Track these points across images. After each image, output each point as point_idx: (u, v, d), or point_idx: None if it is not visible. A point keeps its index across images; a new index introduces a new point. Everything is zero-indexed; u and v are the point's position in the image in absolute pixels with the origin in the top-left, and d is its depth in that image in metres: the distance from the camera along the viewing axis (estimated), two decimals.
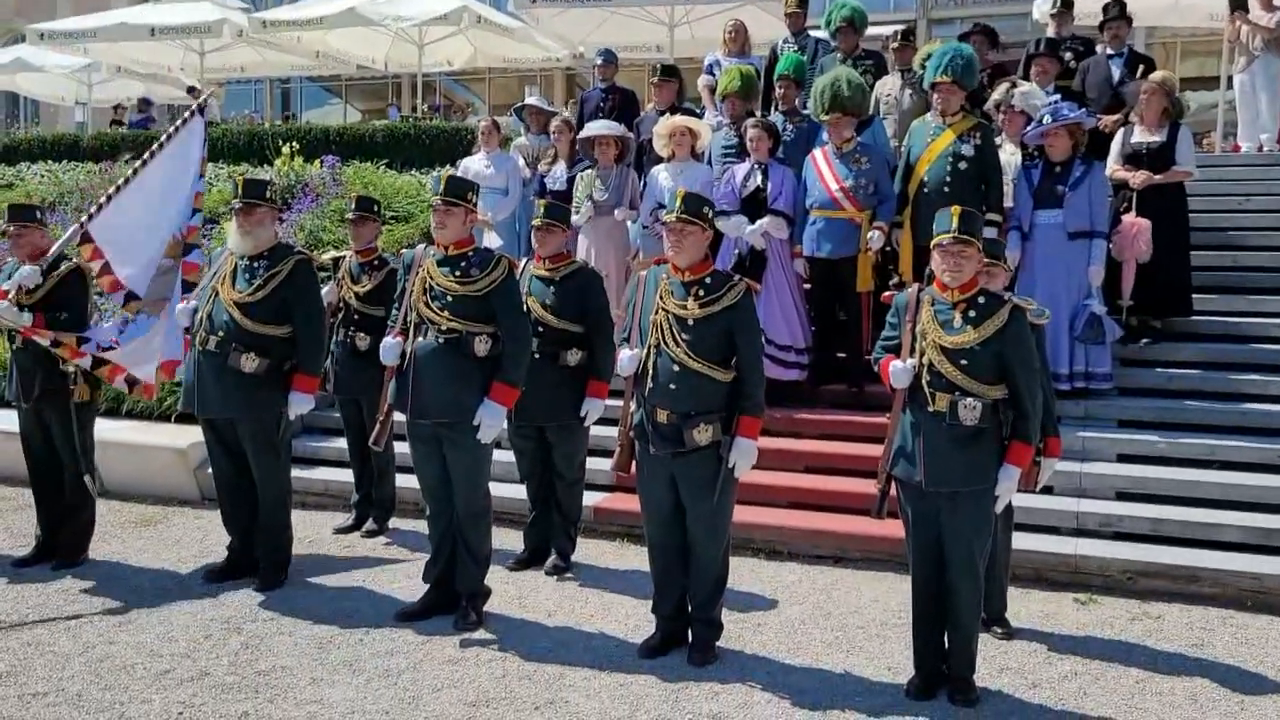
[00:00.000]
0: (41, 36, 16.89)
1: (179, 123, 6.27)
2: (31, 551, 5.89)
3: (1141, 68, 8.19)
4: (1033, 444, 4.27)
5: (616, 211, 7.73)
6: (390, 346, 4.97)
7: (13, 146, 14.26)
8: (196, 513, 6.92)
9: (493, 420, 4.87)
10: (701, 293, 4.47)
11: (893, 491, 4.40)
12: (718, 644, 4.74)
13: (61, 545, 5.85)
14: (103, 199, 5.95)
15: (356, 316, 6.34)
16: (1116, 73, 8.21)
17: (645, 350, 4.55)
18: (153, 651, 4.71)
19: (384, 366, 5.03)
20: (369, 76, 22.35)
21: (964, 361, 4.14)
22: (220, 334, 5.28)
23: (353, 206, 6.49)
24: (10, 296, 5.52)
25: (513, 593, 5.48)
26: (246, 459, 5.48)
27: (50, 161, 13.42)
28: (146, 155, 6.13)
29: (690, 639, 4.74)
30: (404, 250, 5.60)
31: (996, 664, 4.67)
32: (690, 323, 4.44)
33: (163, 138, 6.20)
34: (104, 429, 6.37)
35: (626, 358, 4.60)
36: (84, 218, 5.89)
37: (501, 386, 4.87)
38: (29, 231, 5.72)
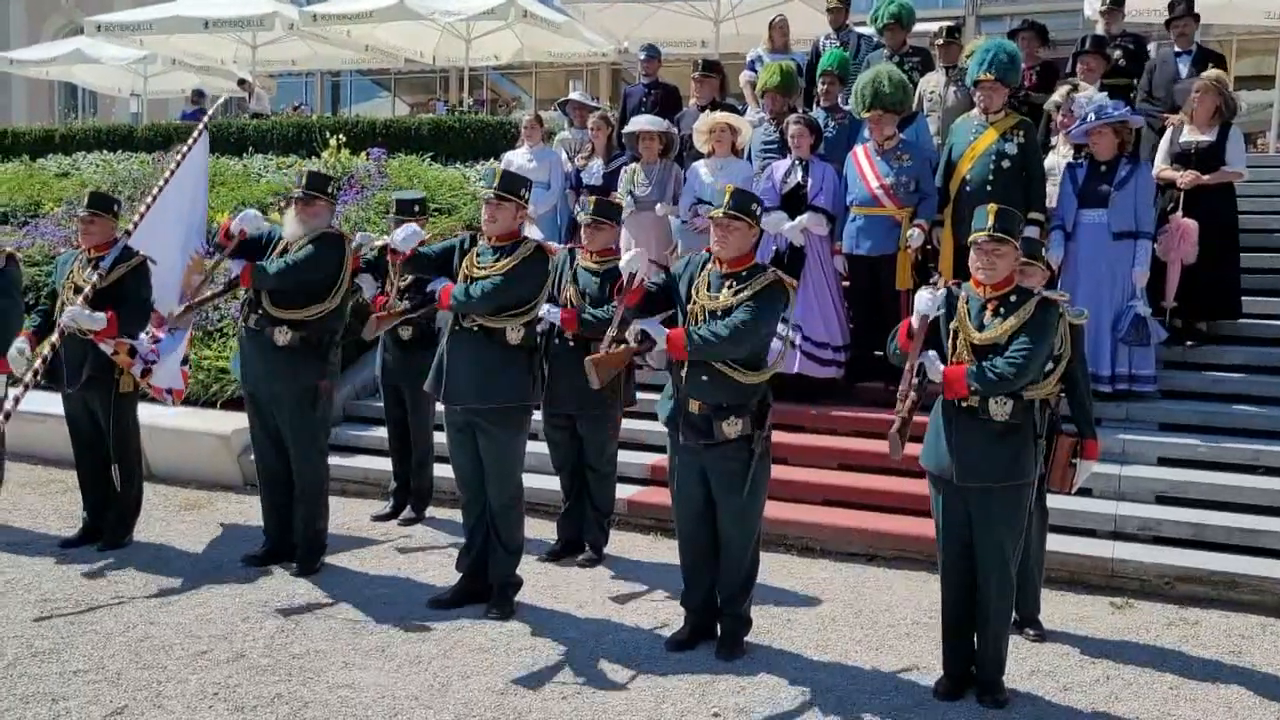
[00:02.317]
0: (99, 28, 17.22)
1: (192, 140, 6.44)
2: (78, 533, 6.03)
3: (1210, 65, 8.00)
4: (969, 389, 4.08)
5: (658, 207, 7.74)
6: (411, 233, 5.02)
7: (69, 136, 14.56)
8: (239, 498, 7.04)
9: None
10: (735, 284, 4.48)
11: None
12: (746, 639, 4.75)
13: (107, 527, 5.98)
14: (137, 216, 6.10)
15: None
16: (1184, 70, 8.05)
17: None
18: (191, 633, 4.82)
19: (428, 356, 5.16)
20: (417, 70, 22.53)
21: (994, 356, 4.11)
22: (260, 311, 5.46)
23: (394, 210, 6.57)
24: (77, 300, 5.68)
25: (545, 583, 5.52)
26: (285, 443, 5.59)
27: (105, 151, 13.69)
28: (168, 174, 6.30)
29: (719, 633, 4.75)
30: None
31: (1027, 666, 4.64)
32: (719, 314, 4.45)
33: (179, 156, 6.38)
34: (150, 414, 6.51)
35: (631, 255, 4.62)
36: (129, 226, 6.02)
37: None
38: (102, 221, 5.87)
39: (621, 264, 4.63)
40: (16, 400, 5.51)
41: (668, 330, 4.48)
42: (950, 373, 4.12)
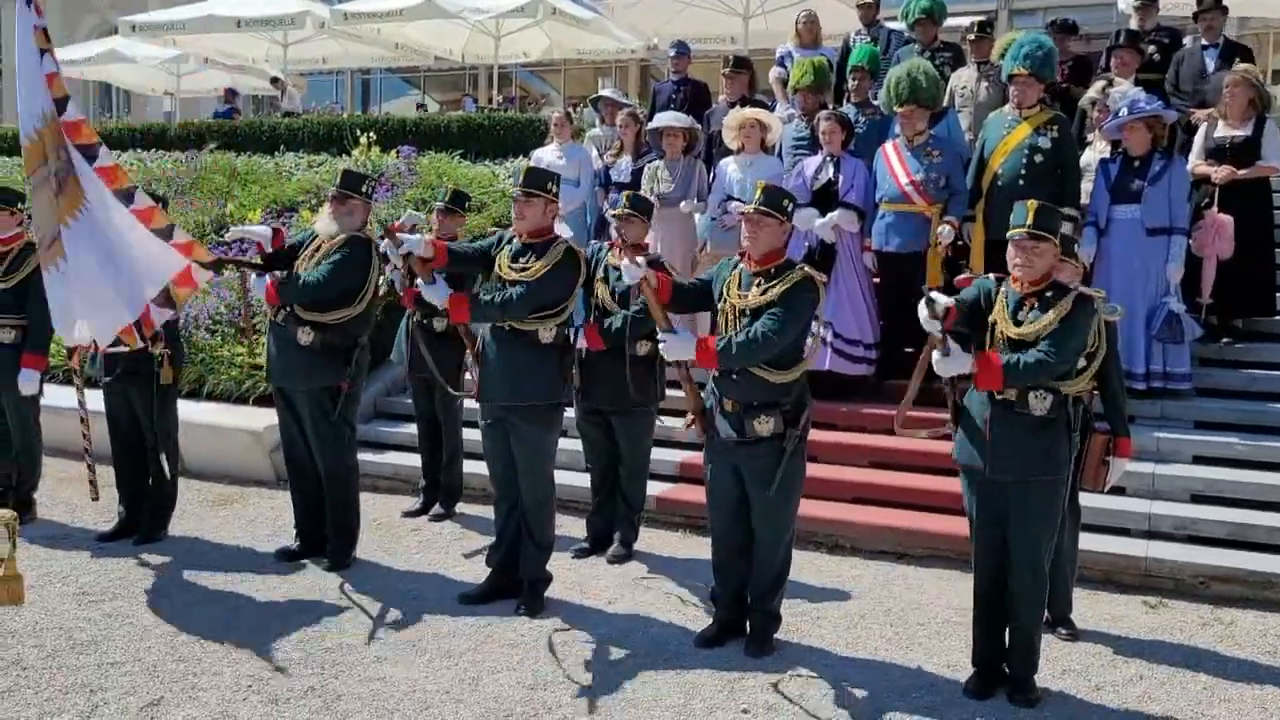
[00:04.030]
0: (133, 28, 17.42)
1: None
2: (114, 527, 6.11)
3: (1238, 59, 7.91)
4: (997, 379, 4.06)
5: (682, 204, 7.73)
6: None
7: (104, 135, 14.67)
8: (271, 494, 7.10)
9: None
10: (763, 281, 4.48)
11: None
12: (776, 636, 4.75)
13: (142, 522, 6.06)
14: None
15: None
16: (1211, 64, 7.95)
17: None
18: (225, 626, 4.87)
19: (458, 349, 5.22)
20: (446, 68, 22.63)
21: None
22: (287, 309, 5.49)
23: (445, 198, 6.59)
24: None
25: (574, 579, 5.54)
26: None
27: (139, 150, 13.84)
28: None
29: (748, 630, 4.75)
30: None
31: (1059, 665, 4.61)
32: (748, 312, 4.45)
33: None
34: (184, 410, 6.55)
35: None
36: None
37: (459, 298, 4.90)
38: None
39: (626, 278, 4.60)
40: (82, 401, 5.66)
41: (696, 339, 4.47)
42: (983, 364, 4.07)
